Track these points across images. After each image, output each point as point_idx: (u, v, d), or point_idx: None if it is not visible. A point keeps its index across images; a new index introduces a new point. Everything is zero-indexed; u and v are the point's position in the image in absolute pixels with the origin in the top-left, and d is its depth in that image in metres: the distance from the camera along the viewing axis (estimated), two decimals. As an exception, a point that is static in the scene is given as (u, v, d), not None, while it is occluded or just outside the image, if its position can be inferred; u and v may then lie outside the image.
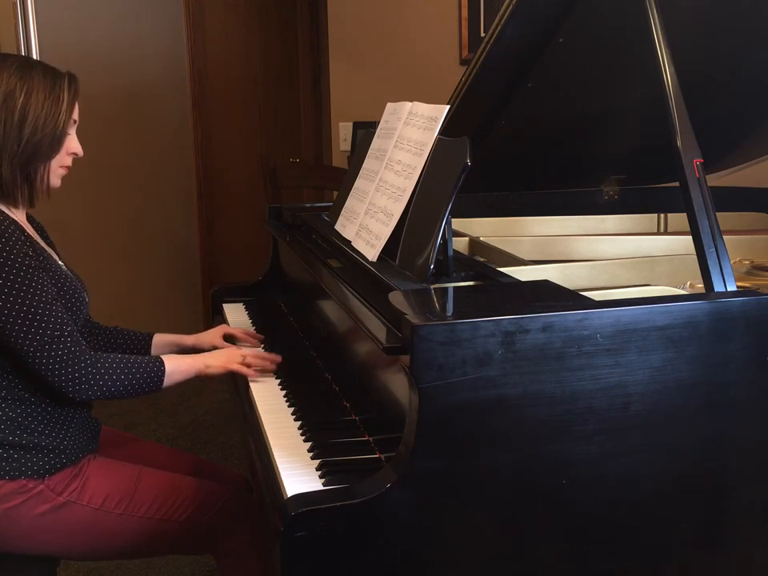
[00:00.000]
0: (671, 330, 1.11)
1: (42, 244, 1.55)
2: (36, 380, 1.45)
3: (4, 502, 1.41)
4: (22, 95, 1.44)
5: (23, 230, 1.45)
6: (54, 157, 1.49)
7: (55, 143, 1.48)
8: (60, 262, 1.57)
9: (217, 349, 1.76)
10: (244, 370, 1.61)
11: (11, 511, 1.42)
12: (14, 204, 1.49)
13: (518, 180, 2.12)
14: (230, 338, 1.85)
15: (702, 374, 1.13)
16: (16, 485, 1.42)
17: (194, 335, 1.85)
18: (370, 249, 1.52)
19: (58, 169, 1.52)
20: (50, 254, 1.52)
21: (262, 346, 1.83)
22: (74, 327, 1.44)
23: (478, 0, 3.32)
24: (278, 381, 1.63)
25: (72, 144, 1.53)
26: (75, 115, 1.52)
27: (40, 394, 1.47)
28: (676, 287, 1.45)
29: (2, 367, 1.44)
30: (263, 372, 1.64)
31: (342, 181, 1.91)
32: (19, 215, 1.52)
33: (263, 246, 2.58)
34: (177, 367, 1.53)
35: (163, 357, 1.53)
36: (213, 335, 1.83)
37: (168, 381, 1.51)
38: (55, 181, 1.53)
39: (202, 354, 1.62)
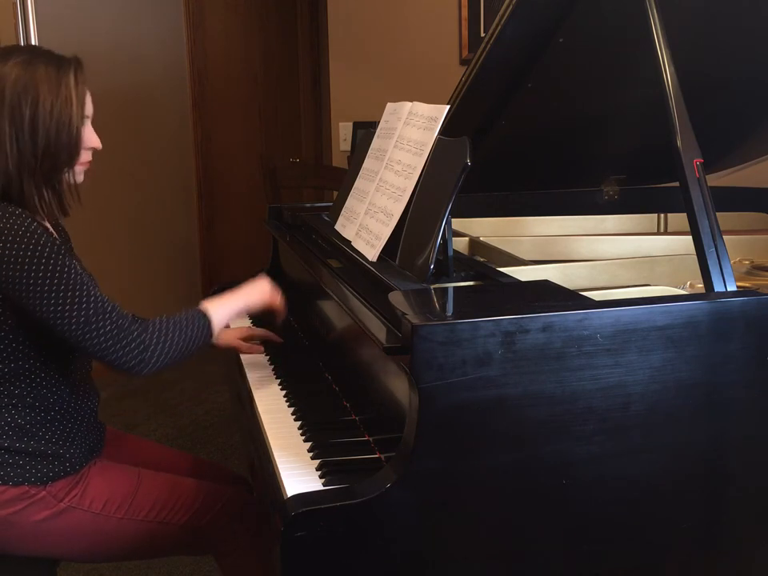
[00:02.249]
0: (671, 330, 1.11)
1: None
2: (45, 387, 1.44)
3: (5, 507, 1.41)
4: (29, 106, 1.37)
5: (51, 233, 1.43)
6: (75, 162, 1.45)
7: (73, 150, 1.42)
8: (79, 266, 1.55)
9: (230, 347, 1.80)
10: (280, 305, 1.66)
11: (12, 516, 1.42)
12: (43, 217, 1.45)
13: (518, 180, 2.12)
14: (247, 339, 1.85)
15: (702, 374, 1.13)
16: (18, 491, 1.41)
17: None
18: (370, 249, 1.52)
19: (77, 167, 1.47)
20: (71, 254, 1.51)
21: (264, 351, 1.83)
22: (113, 301, 1.41)
23: (478, 0, 3.32)
24: (278, 381, 1.63)
25: (89, 138, 1.47)
26: (88, 110, 1.46)
27: (47, 402, 1.46)
28: (676, 287, 1.45)
29: (11, 374, 1.43)
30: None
31: (342, 181, 1.91)
32: (45, 223, 1.50)
33: (263, 245, 2.58)
34: (221, 315, 1.52)
35: (206, 306, 1.51)
36: (232, 336, 1.81)
37: (216, 329, 1.50)
38: (77, 178, 1.49)
39: (238, 295, 1.59)
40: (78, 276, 1.38)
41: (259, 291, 1.62)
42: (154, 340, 1.40)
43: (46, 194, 1.43)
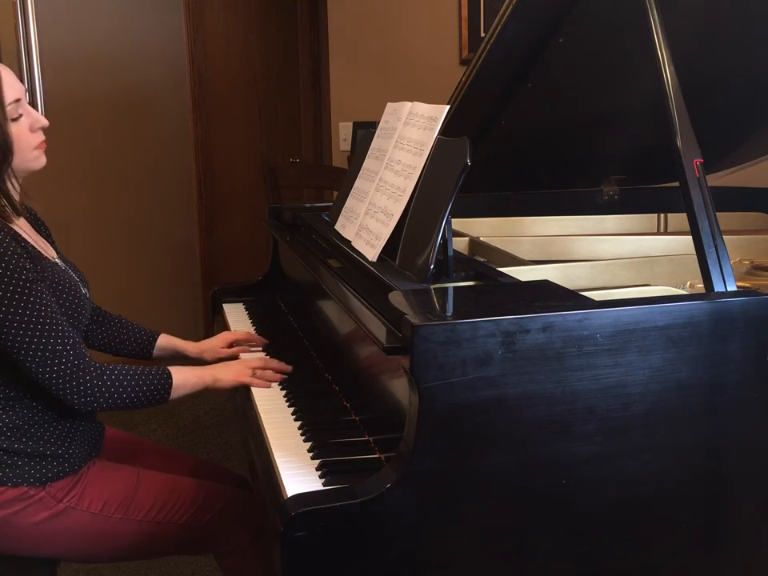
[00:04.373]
0: (671, 330, 1.11)
1: (37, 243, 1.51)
2: (41, 389, 1.44)
3: (4, 508, 1.41)
4: None
5: (19, 240, 1.40)
6: (10, 160, 1.39)
7: (4, 148, 1.38)
8: (57, 260, 1.53)
9: (221, 360, 1.72)
10: (255, 382, 1.57)
11: (11, 517, 1.42)
12: (9, 217, 1.41)
13: (518, 180, 2.12)
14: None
15: (702, 374, 1.13)
16: (17, 491, 1.41)
17: (197, 345, 1.78)
18: (370, 249, 1.52)
19: (33, 152, 1.44)
20: (46, 257, 1.48)
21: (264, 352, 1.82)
22: (76, 339, 1.41)
23: (478, 0, 3.32)
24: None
25: (30, 121, 1.42)
26: (11, 95, 1.38)
27: (45, 403, 1.45)
28: (676, 287, 1.45)
29: (9, 376, 1.43)
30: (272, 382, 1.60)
31: (342, 181, 1.91)
32: (18, 222, 1.48)
33: (263, 245, 2.59)
34: (185, 381, 1.49)
35: (171, 369, 1.48)
36: (215, 346, 1.77)
37: (175, 394, 1.47)
38: (38, 162, 1.45)
39: (210, 367, 1.57)
40: (43, 308, 1.36)
41: (234, 372, 1.56)
42: (104, 388, 1.39)
43: None
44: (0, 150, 1.37)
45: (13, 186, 1.43)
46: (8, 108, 1.38)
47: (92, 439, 1.54)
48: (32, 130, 1.44)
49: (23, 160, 1.43)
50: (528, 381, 1.06)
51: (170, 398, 1.47)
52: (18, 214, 1.46)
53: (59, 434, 1.47)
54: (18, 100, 1.41)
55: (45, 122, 1.46)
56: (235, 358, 1.74)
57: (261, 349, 1.81)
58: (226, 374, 1.55)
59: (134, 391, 1.43)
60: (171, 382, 1.47)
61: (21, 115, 1.41)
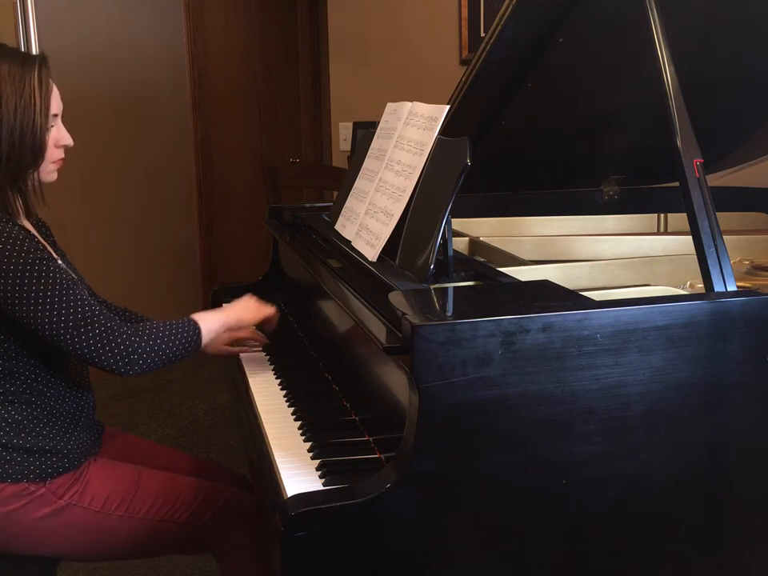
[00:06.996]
0: (671, 330, 1.11)
1: (47, 247, 1.54)
2: (42, 383, 1.45)
3: (5, 504, 1.41)
4: None
5: (28, 231, 1.44)
6: (39, 164, 1.44)
7: (37, 151, 1.42)
8: (59, 261, 1.55)
9: (220, 354, 1.78)
10: (272, 317, 1.69)
11: (12, 514, 1.42)
12: (11, 217, 1.44)
13: (518, 180, 2.12)
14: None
15: (702, 374, 1.13)
16: (18, 488, 1.41)
17: None
18: (370, 249, 1.52)
19: (50, 165, 1.47)
20: (50, 253, 1.51)
21: (265, 352, 1.83)
22: (100, 306, 1.42)
23: (478, 0, 3.32)
24: (278, 381, 1.63)
25: (58, 136, 1.47)
26: (54, 108, 1.45)
27: (45, 397, 1.46)
28: (676, 287, 1.45)
29: (7, 371, 1.43)
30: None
31: (342, 181, 1.91)
32: (25, 222, 1.51)
33: (263, 245, 2.58)
34: (210, 325, 1.53)
35: (195, 317, 1.51)
36: (218, 342, 1.75)
37: (205, 339, 1.51)
38: (50, 176, 1.49)
39: (231, 309, 1.63)
40: (63, 281, 1.38)
41: (254, 308, 1.66)
42: (143, 343, 1.41)
43: (10, 194, 1.43)
44: (33, 152, 1.42)
45: (32, 190, 1.47)
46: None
47: (91, 435, 1.54)
48: (56, 145, 1.48)
49: (40, 170, 1.47)
50: (528, 381, 1.06)
51: (203, 344, 1.51)
52: (29, 217, 1.51)
53: (59, 429, 1.47)
54: (55, 115, 1.47)
55: (70, 142, 1.50)
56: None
57: (260, 348, 1.82)
58: (247, 313, 1.65)
59: (169, 344, 1.43)
60: (200, 330, 1.49)
61: (49, 131, 1.45)
